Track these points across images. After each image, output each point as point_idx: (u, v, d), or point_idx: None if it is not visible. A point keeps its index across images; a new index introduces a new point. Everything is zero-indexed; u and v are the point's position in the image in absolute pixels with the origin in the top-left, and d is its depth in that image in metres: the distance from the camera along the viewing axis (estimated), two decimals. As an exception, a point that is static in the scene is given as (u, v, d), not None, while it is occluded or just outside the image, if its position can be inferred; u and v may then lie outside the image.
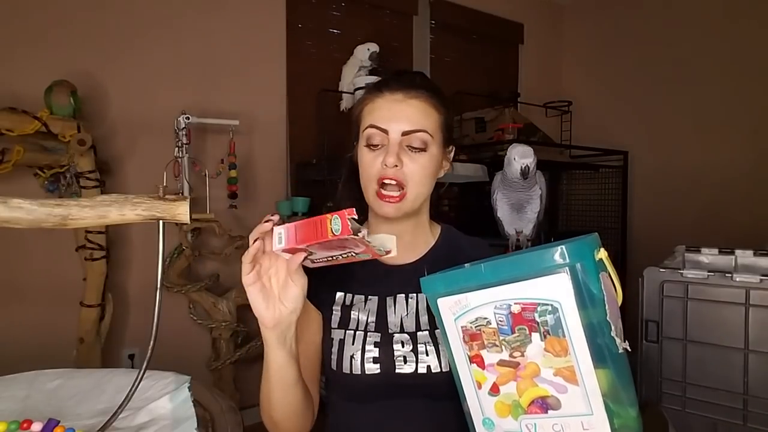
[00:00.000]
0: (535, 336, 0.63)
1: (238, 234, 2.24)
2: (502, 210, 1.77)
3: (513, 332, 0.64)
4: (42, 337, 1.92)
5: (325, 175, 2.36)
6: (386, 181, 0.82)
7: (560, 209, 3.59)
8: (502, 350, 0.65)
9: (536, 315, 0.62)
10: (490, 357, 0.66)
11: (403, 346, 0.83)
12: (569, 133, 3.47)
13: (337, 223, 0.61)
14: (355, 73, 2.53)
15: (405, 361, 0.82)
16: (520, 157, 1.60)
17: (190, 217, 0.75)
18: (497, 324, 0.65)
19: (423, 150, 0.84)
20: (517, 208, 1.74)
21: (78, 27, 2.05)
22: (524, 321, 0.63)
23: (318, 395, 0.90)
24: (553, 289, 0.61)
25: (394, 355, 0.82)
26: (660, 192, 3.23)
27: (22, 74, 1.92)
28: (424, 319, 0.85)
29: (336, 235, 0.61)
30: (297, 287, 0.70)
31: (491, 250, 0.93)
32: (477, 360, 0.67)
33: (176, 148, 2.08)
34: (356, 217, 0.61)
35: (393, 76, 0.88)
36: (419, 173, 0.83)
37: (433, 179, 0.88)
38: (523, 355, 0.64)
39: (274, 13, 2.53)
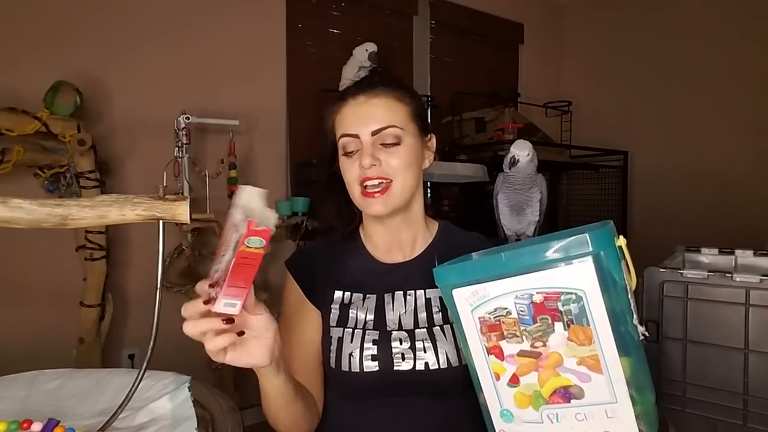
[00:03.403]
0: (558, 325, 0.62)
1: (238, 234, 2.24)
2: (502, 212, 1.77)
3: (535, 322, 0.63)
4: (42, 337, 1.91)
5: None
6: (368, 183, 0.83)
7: (560, 209, 3.59)
8: (522, 340, 0.64)
9: (559, 304, 0.61)
10: (509, 348, 0.65)
11: (401, 344, 0.83)
12: (569, 133, 3.47)
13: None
14: (354, 74, 2.52)
15: (403, 359, 0.82)
16: (513, 148, 1.60)
17: (190, 217, 0.74)
18: (518, 314, 0.63)
19: (397, 144, 0.84)
20: (516, 211, 1.74)
21: (78, 27, 2.05)
22: (547, 310, 0.62)
23: (322, 393, 0.90)
24: (578, 277, 0.60)
25: (392, 353, 0.82)
26: (660, 192, 3.23)
27: (22, 74, 1.92)
28: (422, 316, 0.85)
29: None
30: (262, 315, 0.66)
31: (490, 244, 0.93)
32: (495, 351, 0.66)
33: (176, 148, 2.08)
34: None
35: (355, 83, 0.89)
36: (399, 165, 0.84)
37: (418, 170, 0.88)
38: (545, 345, 0.63)
39: (274, 13, 2.53)
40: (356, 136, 0.84)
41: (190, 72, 2.29)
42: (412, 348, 0.83)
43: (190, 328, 0.61)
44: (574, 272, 0.60)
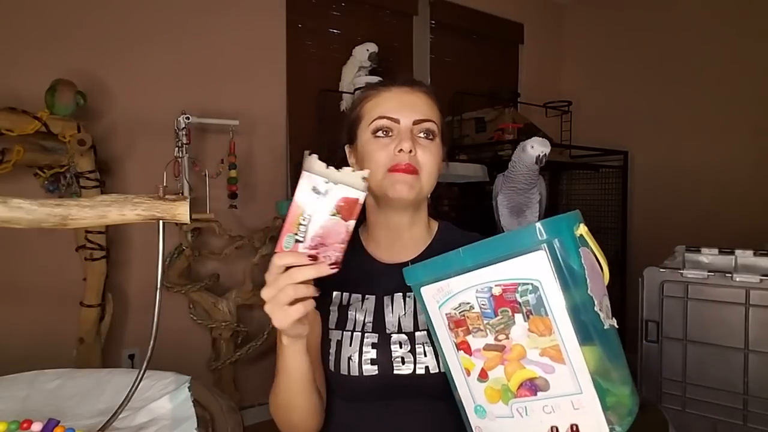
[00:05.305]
0: (519, 317, 0.62)
1: (238, 234, 2.24)
2: (502, 213, 1.77)
3: (496, 315, 0.63)
4: (42, 337, 1.92)
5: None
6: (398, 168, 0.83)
7: (560, 209, 3.59)
8: (487, 334, 0.64)
9: (517, 295, 0.61)
10: (476, 342, 0.66)
11: (401, 347, 0.82)
12: (569, 133, 3.47)
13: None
14: (354, 74, 2.53)
15: (403, 362, 0.82)
16: (539, 146, 1.58)
17: (190, 217, 0.75)
18: (480, 308, 0.64)
19: (432, 138, 0.86)
20: (516, 212, 1.74)
21: (78, 27, 2.05)
22: (506, 302, 0.62)
23: (325, 393, 0.90)
24: (532, 267, 0.60)
25: (392, 357, 0.82)
26: (660, 192, 3.23)
27: (22, 74, 1.92)
28: (422, 318, 0.85)
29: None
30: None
31: None
32: (464, 347, 0.67)
33: (176, 148, 2.08)
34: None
35: (392, 78, 0.91)
36: (430, 161, 0.84)
37: (438, 173, 0.89)
38: (508, 338, 0.63)
39: (274, 13, 2.53)
40: (397, 121, 0.84)
41: (190, 72, 2.29)
42: (412, 351, 0.82)
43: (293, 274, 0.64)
44: (528, 262, 0.60)
